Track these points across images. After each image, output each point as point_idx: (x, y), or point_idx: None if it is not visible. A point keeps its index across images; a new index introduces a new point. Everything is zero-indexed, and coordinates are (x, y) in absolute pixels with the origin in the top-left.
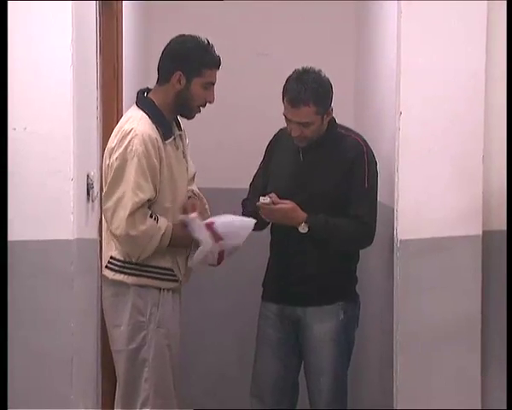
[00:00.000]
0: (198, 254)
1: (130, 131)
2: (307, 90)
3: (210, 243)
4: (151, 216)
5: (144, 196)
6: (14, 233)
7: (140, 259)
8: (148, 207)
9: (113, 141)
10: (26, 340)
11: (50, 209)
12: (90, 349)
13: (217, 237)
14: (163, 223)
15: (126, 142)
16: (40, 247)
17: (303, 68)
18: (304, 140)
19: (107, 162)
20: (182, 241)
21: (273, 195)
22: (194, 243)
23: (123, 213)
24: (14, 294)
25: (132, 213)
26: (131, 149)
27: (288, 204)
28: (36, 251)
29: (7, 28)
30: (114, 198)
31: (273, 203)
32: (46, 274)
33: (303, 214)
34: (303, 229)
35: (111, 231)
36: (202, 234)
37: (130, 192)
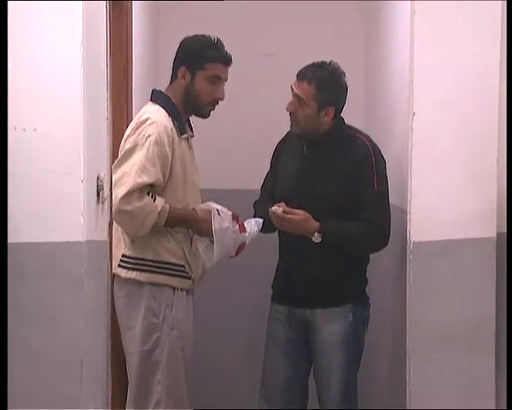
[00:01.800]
0: (223, 245)
1: (147, 119)
2: (318, 72)
3: (235, 234)
4: (148, 194)
5: (148, 179)
6: (23, 235)
7: (137, 235)
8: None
9: (128, 129)
10: (35, 342)
11: (60, 211)
12: (100, 351)
13: (242, 228)
14: (160, 201)
15: (141, 128)
16: (50, 249)
17: (330, 60)
18: (296, 123)
19: (122, 151)
20: (178, 224)
21: (283, 204)
22: (199, 236)
23: (120, 191)
24: (23, 296)
25: (131, 192)
26: (143, 135)
27: (300, 214)
28: (45, 253)
29: (7, 28)
30: (116, 177)
31: (284, 213)
32: (56, 277)
33: (315, 224)
34: (316, 239)
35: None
36: (227, 223)
37: (134, 173)
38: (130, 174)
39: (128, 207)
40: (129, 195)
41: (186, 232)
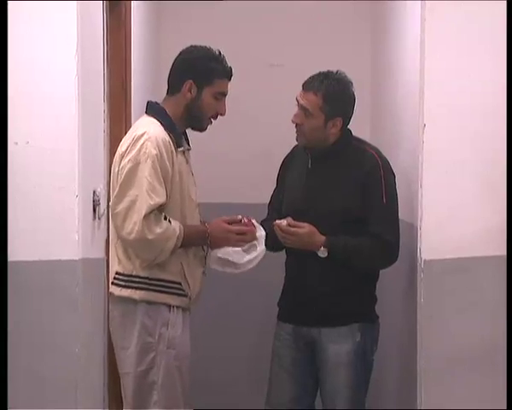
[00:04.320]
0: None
1: (143, 134)
2: (324, 82)
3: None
4: (165, 218)
5: (159, 199)
6: (16, 253)
7: (156, 261)
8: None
9: (123, 146)
10: (29, 364)
11: (54, 228)
12: (97, 373)
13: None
14: (176, 224)
15: (139, 145)
16: (43, 267)
17: (337, 70)
18: (302, 136)
19: (117, 169)
20: (191, 243)
21: (289, 218)
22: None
23: (136, 216)
24: (16, 316)
25: (147, 216)
26: (145, 152)
27: (304, 227)
28: (39, 272)
29: (7, 31)
30: (126, 202)
31: (290, 227)
32: (50, 296)
33: (321, 238)
34: (322, 253)
35: (121, 237)
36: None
37: (145, 195)
38: (141, 197)
39: (151, 236)
40: (147, 220)
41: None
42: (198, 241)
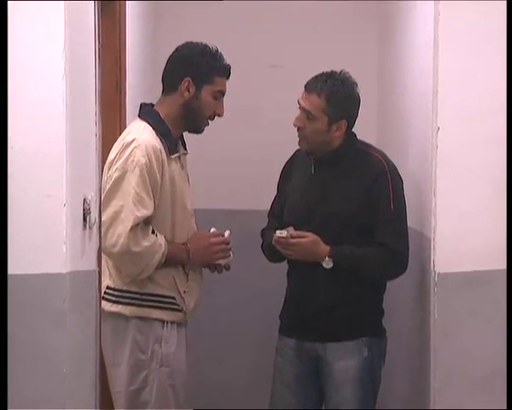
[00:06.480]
0: None
1: (132, 141)
2: (327, 83)
3: None
4: (152, 232)
5: (147, 211)
6: None
7: (140, 277)
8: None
9: (112, 153)
10: (13, 384)
11: (40, 239)
12: (87, 393)
13: None
14: (162, 239)
15: (127, 152)
16: (29, 282)
17: (341, 70)
18: (304, 140)
19: (105, 177)
20: (173, 260)
21: (291, 228)
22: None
23: (122, 228)
24: None
25: (134, 229)
26: (133, 160)
27: (308, 237)
28: (24, 287)
29: (7, 33)
30: (110, 212)
31: (291, 237)
32: (36, 312)
33: (325, 247)
34: (327, 264)
35: (105, 249)
36: None
37: (131, 206)
38: (127, 208)
39: (137, 249)
40: (133, 232)
41: None
42: (179, 260)
